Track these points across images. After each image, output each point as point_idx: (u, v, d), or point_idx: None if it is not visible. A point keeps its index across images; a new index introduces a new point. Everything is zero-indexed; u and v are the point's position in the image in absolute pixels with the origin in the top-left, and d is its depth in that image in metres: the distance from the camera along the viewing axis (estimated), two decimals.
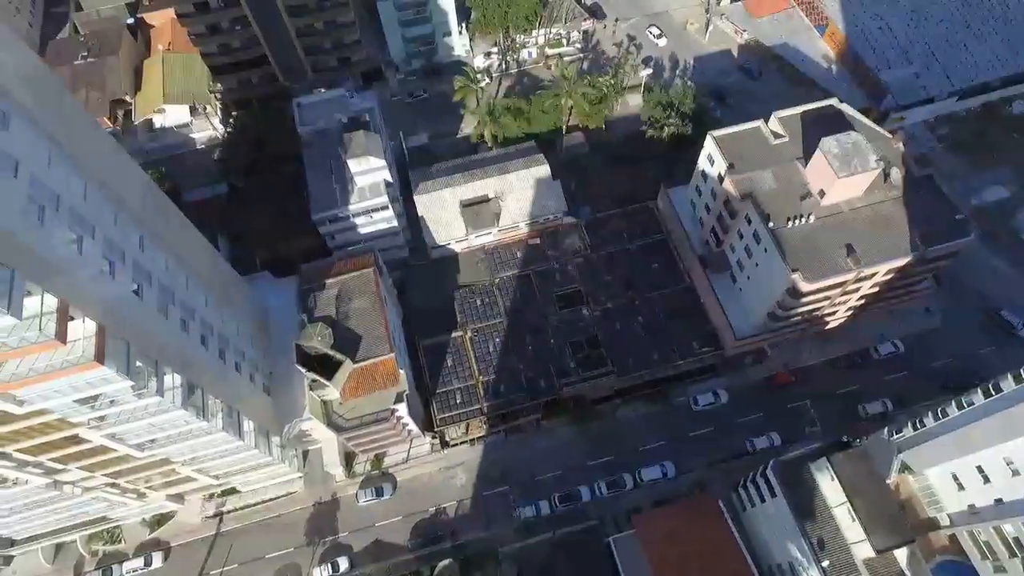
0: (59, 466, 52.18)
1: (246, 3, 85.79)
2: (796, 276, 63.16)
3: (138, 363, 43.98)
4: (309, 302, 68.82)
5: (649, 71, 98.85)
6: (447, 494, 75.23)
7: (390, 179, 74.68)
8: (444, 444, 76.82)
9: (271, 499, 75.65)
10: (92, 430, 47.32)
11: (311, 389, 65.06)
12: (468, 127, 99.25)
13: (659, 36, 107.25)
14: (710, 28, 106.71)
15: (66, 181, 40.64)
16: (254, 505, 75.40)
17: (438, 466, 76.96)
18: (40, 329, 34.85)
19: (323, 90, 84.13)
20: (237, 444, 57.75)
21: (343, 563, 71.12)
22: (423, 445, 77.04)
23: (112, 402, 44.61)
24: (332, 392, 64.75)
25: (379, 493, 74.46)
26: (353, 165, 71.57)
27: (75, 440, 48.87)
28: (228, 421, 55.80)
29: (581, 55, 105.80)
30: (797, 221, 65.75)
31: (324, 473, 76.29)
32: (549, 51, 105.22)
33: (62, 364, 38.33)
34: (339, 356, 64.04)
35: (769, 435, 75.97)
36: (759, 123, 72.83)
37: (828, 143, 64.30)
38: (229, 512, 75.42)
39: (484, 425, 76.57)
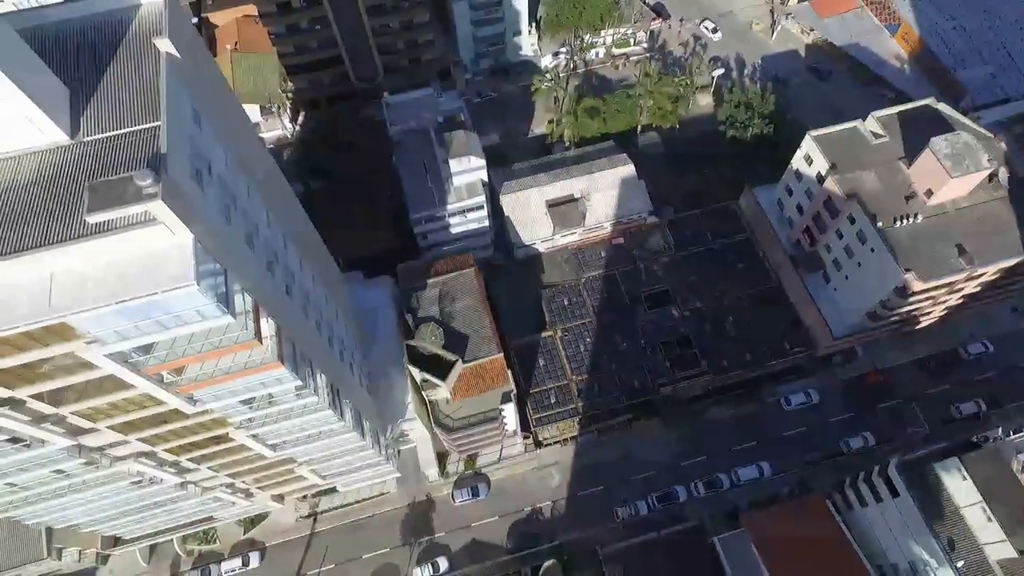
0: (193, 466, 52.18)
1: (328, 2, 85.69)
2: (909, 276, 63.06)
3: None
4: (412, 302, 68.91)
5: (721, 71, 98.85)
6: (542, 494, 75.17)
7: (486, 178, 74.65)
8: (538, 444, 76.70)
9: (364, 499, 75.62)
10: (240, 430, 47.26)
11: (422, 389, 65.17)
12: (539, 127, 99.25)
13: (714, 31, 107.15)
14: (777, 28, 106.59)
15: (237, 179, 40.66)
16: (348, 505, 75.38)
17: (531, 466, 76.91)
18: (245, 328, 34.80)
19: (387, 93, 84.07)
20: (360, 444, 57.67)
21: (443, 563, 71.05)
22: (516, 445, 76.94)
23: (271, 402, 44.56)
24: (442, 392, 64.84)
25: (475, 493, 74.37)
26: (454, 165, 71.60)
27: (219, 440, 48.88)
28: (355, 421, 55.74)
29: (647, 55, 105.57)
30: (904, 221, 65.68)
31: (416, 473, 76.16)
32: (616, 51, 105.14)
33: (245, 364, 38.30)
34: (450, 356, 64.10)
35: (863, 435, 75.79)
36: (857, 123, 72.68)
37: (938, 143, 64.16)
38: (323, 512, 75.42)
39: (577, 425, 76.44)
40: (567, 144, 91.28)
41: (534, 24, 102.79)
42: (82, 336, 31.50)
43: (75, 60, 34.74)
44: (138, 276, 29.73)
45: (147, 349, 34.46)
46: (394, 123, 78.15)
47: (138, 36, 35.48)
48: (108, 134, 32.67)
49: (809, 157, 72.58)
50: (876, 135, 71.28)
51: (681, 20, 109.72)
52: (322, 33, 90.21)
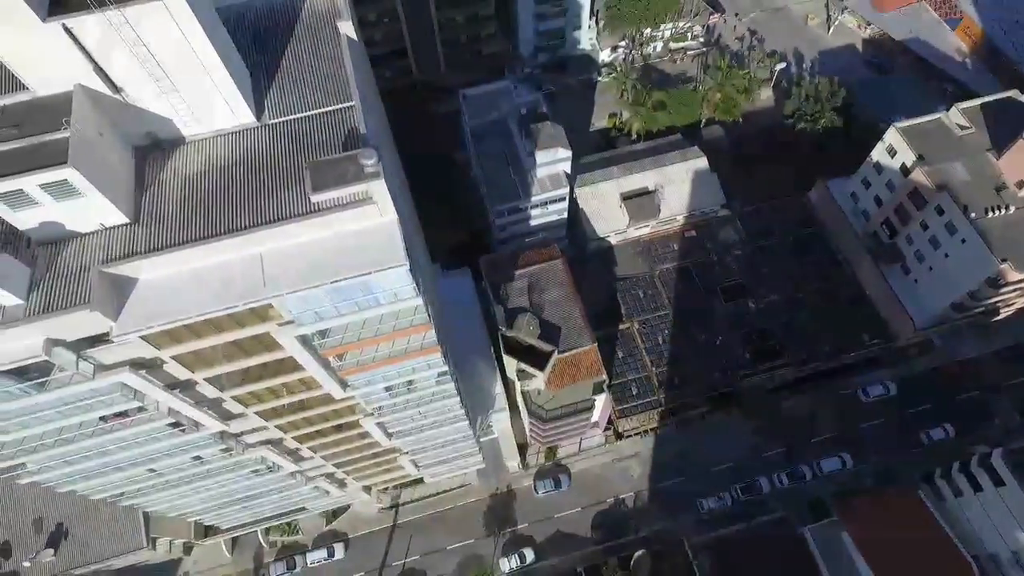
0: (309, 454, 52.30)
1: None
2: (1006, 266, 63.17)
3: None
4: (500, 294, 68.88)
5: (783, 65, 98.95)
6: (623, 486, 75.28)
7: (568, 170, 74.72)
8: (618, 436, 76.78)
9: (445, 491, 75.73)
10: (369, 417, 47.34)
11: (518, 379, 65.21)
12: (599, 121, 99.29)
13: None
14: (834, 23, 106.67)
15: (387, 162, 40.75)
16: (429, 497, 75.50)
17: (610, 457, 77.05)
18: (423, 311, 34.88)
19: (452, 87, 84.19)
20: (467, 433, 57.78)
21: (529, 554, 71.13)
22: (595, 437, 77.03)
23: (410, 388, 44.59)
24: (536, 383, 64.88)
25: (557, 484, 74.48)
26: (541, 156, 71.60)
27: (342, 428, 49.01)
28: (467, 410, 55.79)
29: (704, 49, 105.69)
30: (997, 211, 65.79)
31: (496, 464, 76.13)
32: (673, 45, 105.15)
33: (406, 349, 38.37)
34: (545, 346, 64.06)
35: (943, 426, 75.85)
36: (941, 114, 72.78)
37: None
38: (404, 504, 75.54)
39: (657, 417, 76.50)
40: (633, 137, 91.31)
41: (594, 18, 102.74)
42: (278, 317, 31.62)
43: (252, 43, 34.88)
44: (343, 256, 29.83)
45: (324, 333, 34.53)
46: (472, 116, 78.06)
47: (311, 19, 35.65)
48: (294, 116, 32.84)
49: (892, 149, 72.64)
50: (962, 127, 71.33)
51: (736, 15, 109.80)
52: (389, 26, 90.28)
